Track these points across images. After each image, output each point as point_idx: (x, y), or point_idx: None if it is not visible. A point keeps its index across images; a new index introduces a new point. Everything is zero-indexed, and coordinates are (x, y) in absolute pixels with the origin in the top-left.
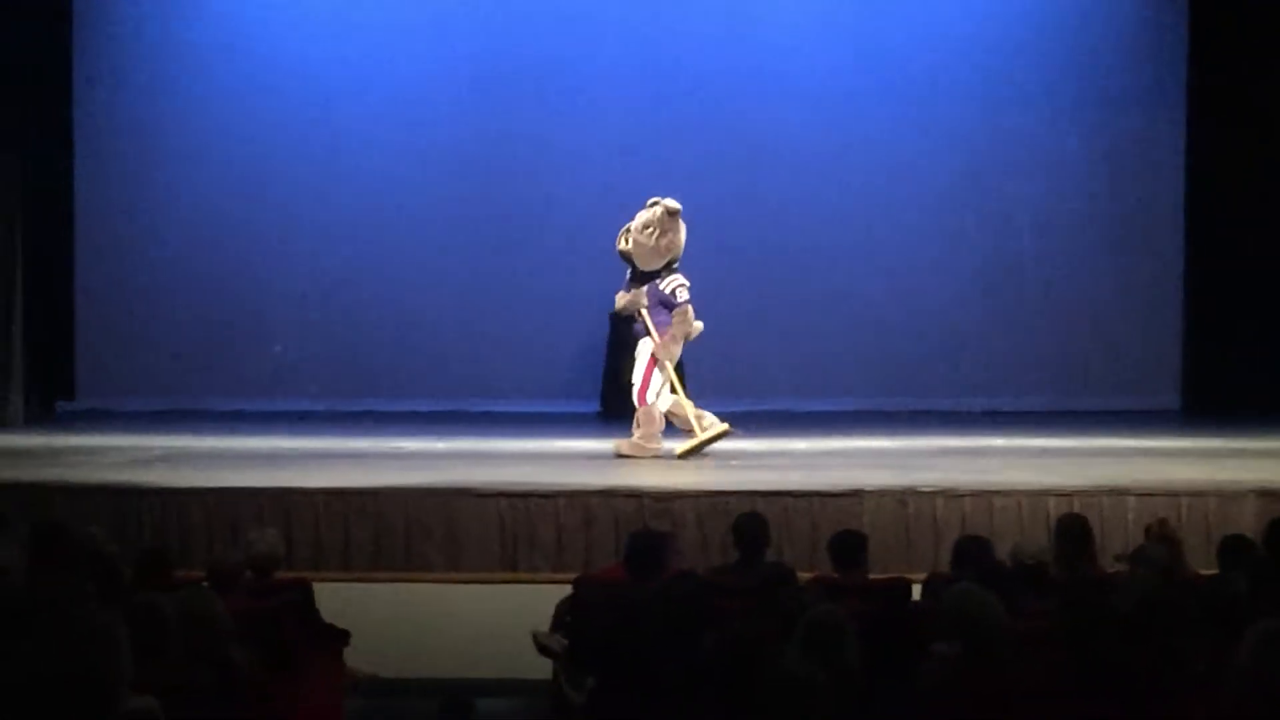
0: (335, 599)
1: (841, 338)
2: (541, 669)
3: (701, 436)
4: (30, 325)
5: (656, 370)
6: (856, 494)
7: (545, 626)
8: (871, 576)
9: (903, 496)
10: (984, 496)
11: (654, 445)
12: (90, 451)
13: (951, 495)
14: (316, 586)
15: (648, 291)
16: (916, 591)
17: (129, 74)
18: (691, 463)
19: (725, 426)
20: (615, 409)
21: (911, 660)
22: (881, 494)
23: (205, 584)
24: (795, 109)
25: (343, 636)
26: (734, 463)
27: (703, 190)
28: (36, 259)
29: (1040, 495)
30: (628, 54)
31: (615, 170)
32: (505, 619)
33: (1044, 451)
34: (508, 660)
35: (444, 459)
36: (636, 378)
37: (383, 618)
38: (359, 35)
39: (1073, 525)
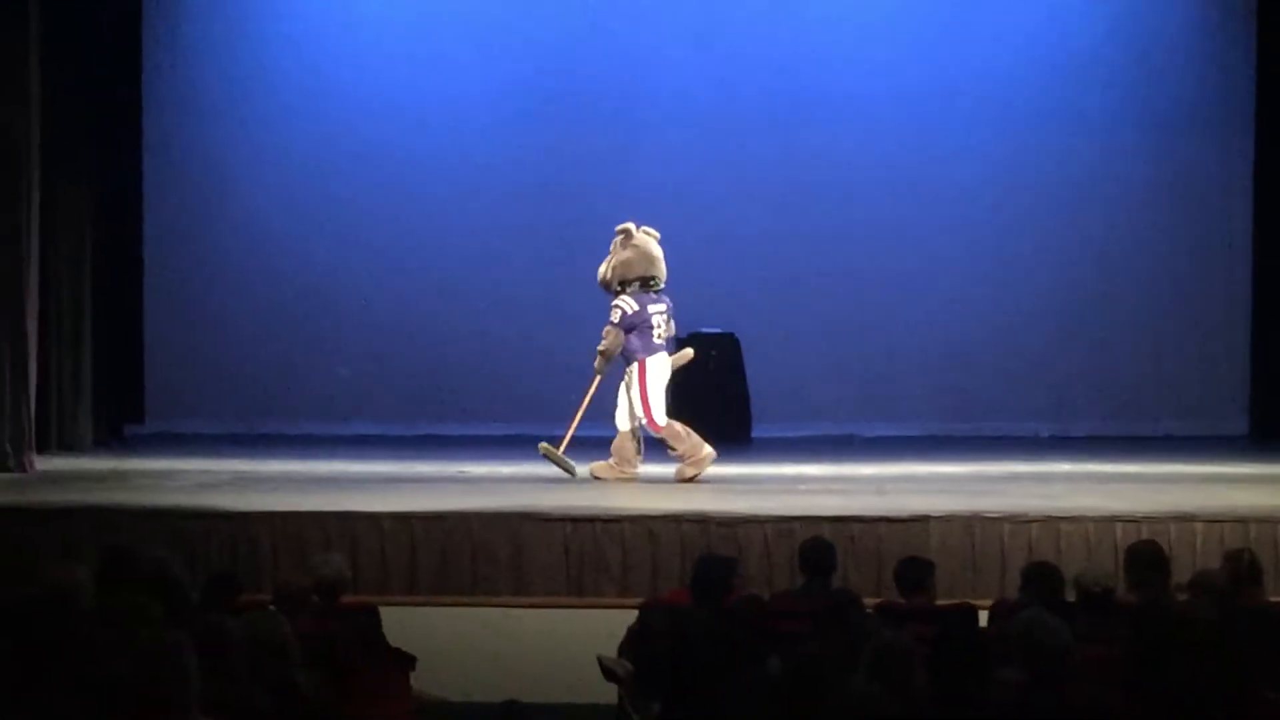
0: (401, 623)
1: (908, 362)
2: (607, 693)
3: (556, 454)
4: (99, 349)
5: (650, 395)
6: (923, 519)
7: (611, 651)
8: (938, 602)
9: (969, 522)
10: (1051, 522)
11: (630, 469)
12: (158, 475)
13: (1018, 521)
14: (383, 610)
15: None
16: (983, 618)
17: (196, 102)
18: (758, 488)
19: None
20: None
21: (978, 686)
22: (948, 519)
23: (271, 607)
24: (860, 134)
25: (409, 660)
26: (801, 487)
27: (767, 214)
28: (105, 283)
29: (1107, 521)
30: (687, 76)
31: (677, 193)
32: (571, 643)
33: (1111, 477)
34: (573, 684)
35: (509, 483)
36: (638, 407)
37: (449, 641)
38: (426, 58)
39: (1145, 552)
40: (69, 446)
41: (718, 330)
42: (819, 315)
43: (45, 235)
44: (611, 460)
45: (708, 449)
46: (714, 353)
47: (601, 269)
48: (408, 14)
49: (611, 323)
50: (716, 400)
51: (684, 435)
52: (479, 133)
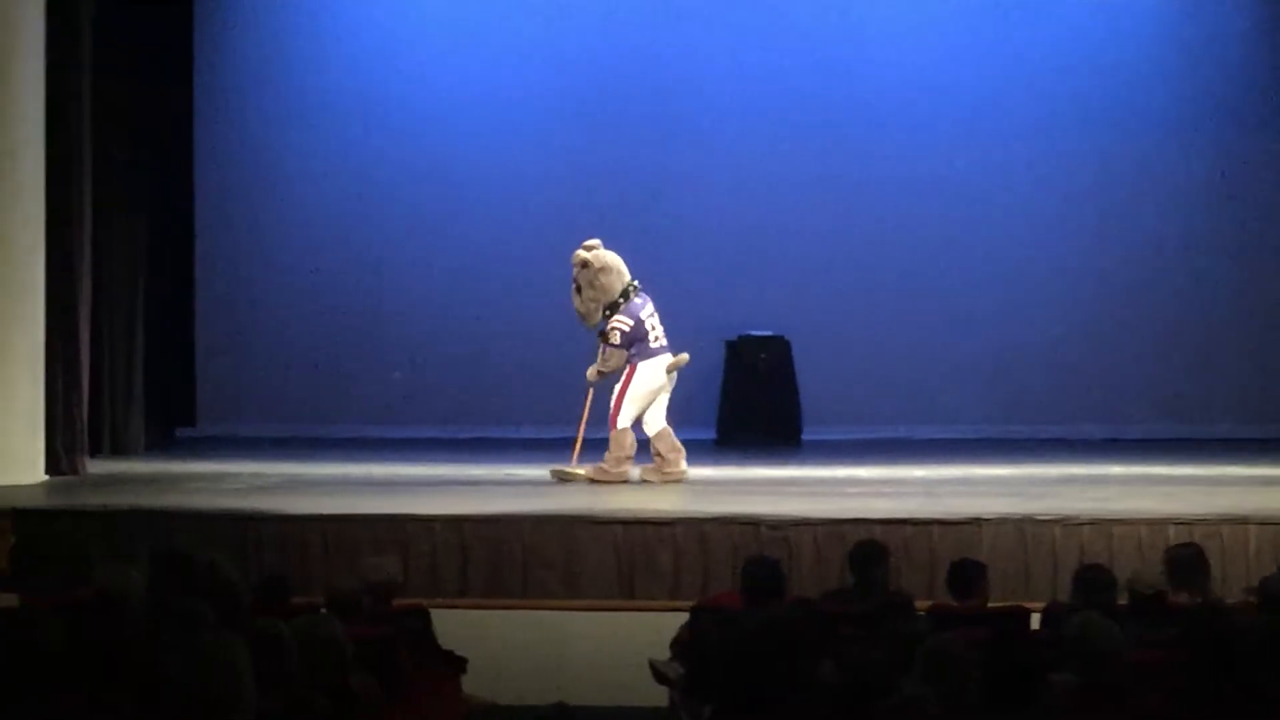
0: (453, 626)
1: (960, 364)
2: (658, 696)
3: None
4: (151, 352)
5: (628, 397)
6: (975, 522)
7: (661, 654)
8: (990, 605)
9: (1021, 525)
10: (1103, 525)
11: (620, 470)
12: (210, 478)
13: (1070, 524)
14: (434, 613)
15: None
16: (1034, 620)
17: (246, 108)
18: (809, 490)
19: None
20: (732, 436)
21: (1031, 690)
22: (1000, 522)
23: (323, 611)
24: (911, 133)
25: (460, 663)
26: (852, 490)
27: (817, 217)
28: (157, 287)
29: (1160, 524)
30: (747, 81)
31: (726, 195)
32: (622, 646)
33: (1164, 479)
34: (624, 687)
35: (561, 486)
36: (612, 405)
37: (500, 644)
38: (473, 63)
39: (1185, 555)
40: (121, 450)
41: (768, 333)
42: (870, 317)
43: (98, 240)
44: (654, 464)
45: (633, 474)
46: (764, 355)
47: (578, 305)
48: (452, 19)
49: (613, 345)
50: (767, 402)
51: (626, 450)
52: (527, 136)
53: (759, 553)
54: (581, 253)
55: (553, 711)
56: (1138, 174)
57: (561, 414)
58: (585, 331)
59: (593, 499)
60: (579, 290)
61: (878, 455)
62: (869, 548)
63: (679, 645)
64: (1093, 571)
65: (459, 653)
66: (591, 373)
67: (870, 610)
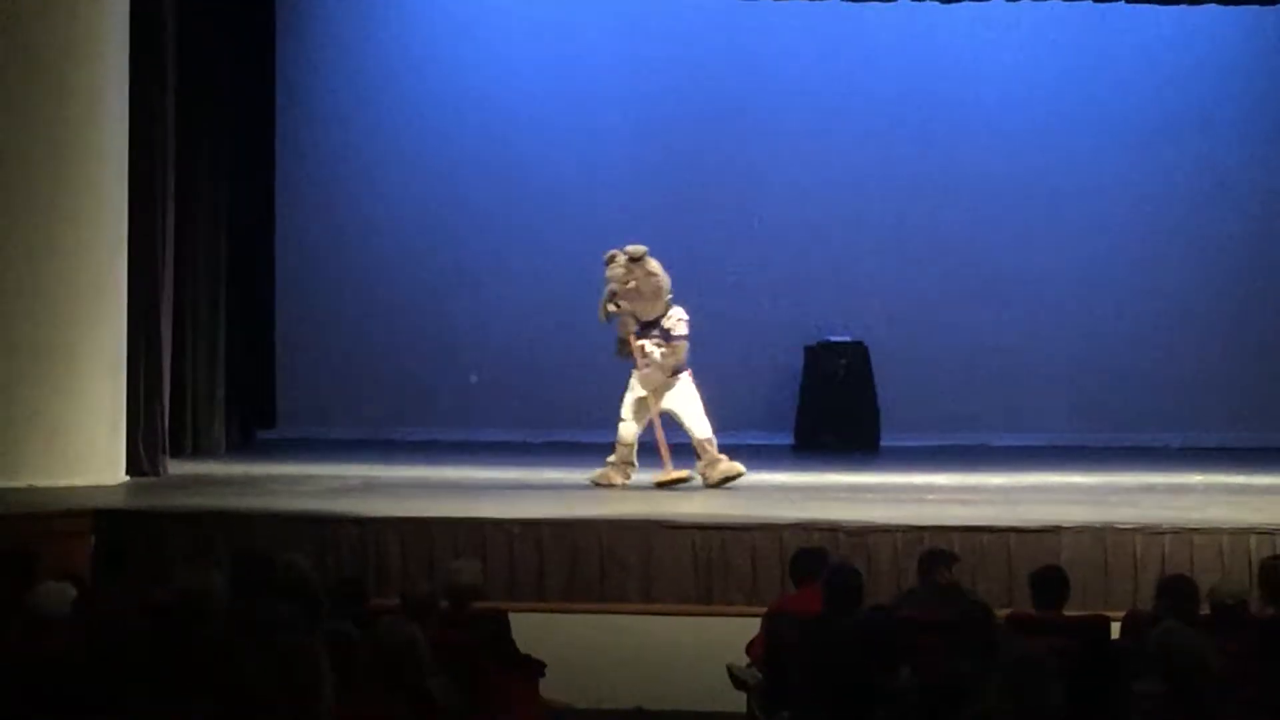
0: (530, 629)
1: (1038, 371)
2: (735, 701)
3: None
4: (232, 354)
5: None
6: (1054, 530)
7: (739, 659)
8: (1069, 614)
9: (1101, 533)
10: (1184, 534)
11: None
12: (290, 480)
13: (1151, 533)
14: (512, 617)
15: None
16: (1114, 630)
17: (329, 109)
18: (888, 496)
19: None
20: (809, 441)
21: (1112, 700)
22: (1079, 530)
23: (402, 614)
24: (992, 139)
25: (538, 667)
26: (930, 497)
27: (897, 222)
28: (239, 289)
29: (1242, 533)
30: (825, 84)
31: (806, 200)
32: (700, 651)
33: (1245, 488)
34: (702, 692)
35: (638, 491)
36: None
37: (578, 648)
38: (554, 67)
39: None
40: (202, 451)
41: (847, 339)
42: (948, 323)
43: (180, 242)
44: (703, 463)
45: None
46: (844, 361)
47: (632, 307)
48: (535, 19)
49: (683, 336)
50: (845, 408)
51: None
52: (607, 142)
53: (839, 559)
54: (626, 250)
55: (631, 715)
56: (1220, 181)
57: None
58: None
59: (670, 504)
60: (636, 285)
61: (956, 462)
62: (935, 551)
63: (757, 650)
64: (1177, 581)
65: (537, 656)
66: (656, 377)
67: (951, 618)
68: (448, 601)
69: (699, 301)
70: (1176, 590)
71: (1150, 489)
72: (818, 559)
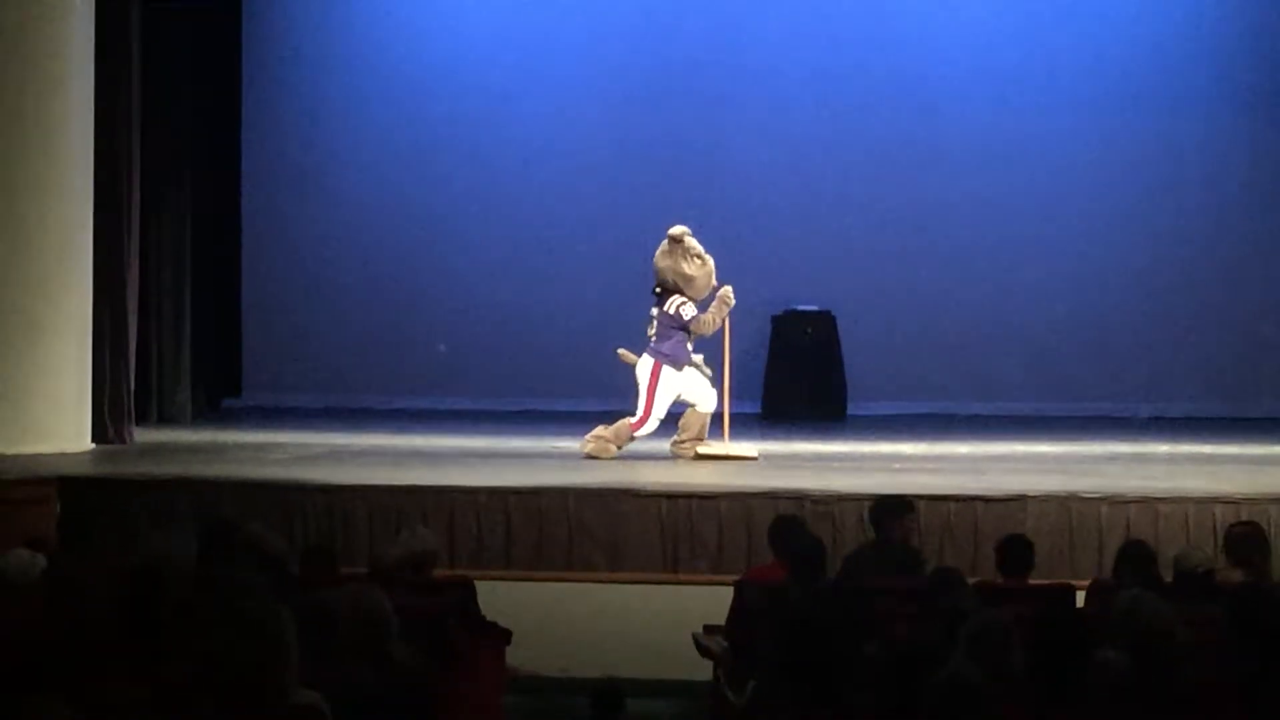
0: (497, 598)
1: (1005, 341)
2: (702, 670)
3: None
4: (197, 323)
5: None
6: (1020, 499)
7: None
8: (1034, 582)
9: (1066, 502)
10: (1149, 503)
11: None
12: (256, 448)
13: (1116, 501)
14: (478, 585)
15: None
16: (1080, 598)
17: (294, 80)
18: (854, 466)
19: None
20: (777, 411)
21: (1077, 667)
22: (1045, 499)
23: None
24: (961, 111)
25: (504, 635)
26: (897, 466)
27: (863, 192)
28: (204, 259)
29: (1206, 502)
30: (790, 57)
31: (772, 170)
32: (666, 619)
33: (1210, 458)
34: (668, 661)
35: (605, 460)
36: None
37: (544, 617)
38: (520, 38)
39: (1244, 533)
40: (167, 419)
41: (814, 308)
42: (915, 293)
43: (146, 210)
44: (685, 437)
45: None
46: (809, 330)
47: (690, 270)
48: None
49: (693, 317)
50: (812, 377)
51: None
52: (571, 113)
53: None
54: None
55: (597, 685)
56: (1185, 151)
57: (602, 387)
58: (628, 306)
59: (637, 472)
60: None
61: (923, 431)
62: (889, 502)
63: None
64: (1134, 548)
65: (503, 624)
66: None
67: (920, 586)
68: (409, 569)
69: None
70: (1134, 557)
71: (1116, 458)
72: (796, 527)
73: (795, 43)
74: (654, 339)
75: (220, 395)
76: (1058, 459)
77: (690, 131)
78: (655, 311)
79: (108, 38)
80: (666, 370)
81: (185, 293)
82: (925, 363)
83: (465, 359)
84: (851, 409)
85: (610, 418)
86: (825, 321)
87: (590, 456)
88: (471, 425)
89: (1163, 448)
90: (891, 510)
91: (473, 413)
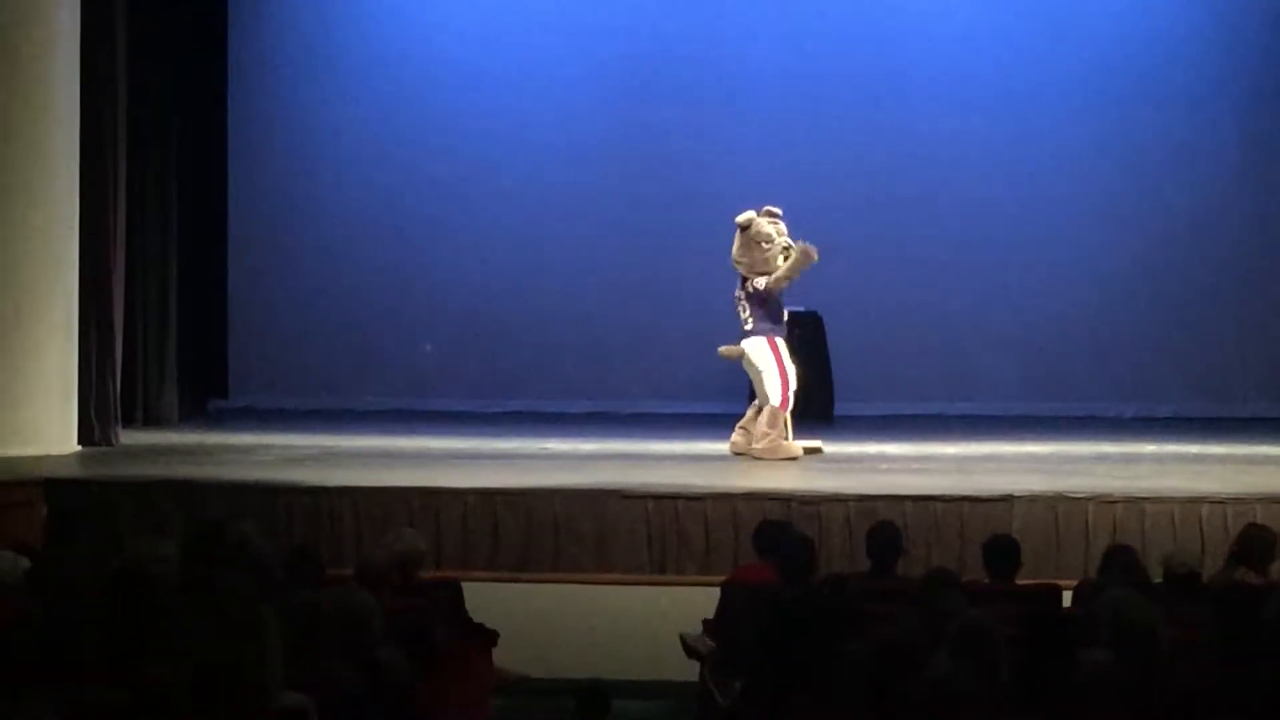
0: (484, 599)
1: (993, 341)
2: (689, 671)
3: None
4: (184, 324)
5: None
6: (1007, 499)
7: (693, 628)
8: (1020, 582)
9: (1053, 502)
10: (1136, 503)
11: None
12: (242, 449)
13: (1103, 501)
14: (465, 586)
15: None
16: (1066, 598)
17: (281, 81)
18: (841, 466)
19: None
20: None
21: (1062, 667)
22: (1032, 499)
23: (355, 583)
24: (949, 109)
25: (491, 636)
26: (884, 466)
27: (855, 190)
28: (191, 260)
29: (1193, 502)
30: (778, 58)
31: (760, 169)
32: (653, 620)
33: (1197, 458)
34: (655, 661)
35: (592, 460)
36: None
37: (531, 618)
38: (514, 34)
39: (1258, 536)
40: (154, 420)
41: (801, 308)
42: (902, 293)
43: (132, 211)
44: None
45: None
46: (797, 330)
47: (755, 255)
48: None
49: (764, 288)
50: (800, 378)
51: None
52: (559, 112)
53: (792, 528)
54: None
55: (584, 686)
56: (1174, 150)
57: (595, 388)
58: (616, 307)
59: (624, 473)
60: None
61: (909, 431)
62: (887, 532)
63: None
64: (1119, 551)
65: (490, 626)
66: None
67: (908, 587)
68: (396, 571)
69: (654, 270)
70: (1119, 559)
71: (1103, 458)
72: (781, 531)
73: (782, 44)
74: (749, 321)
75: (207, 397)
76: (1044, 459)
77: (677, 134)
78: (739, 294)
79: (93, 37)
80: (779, 340)
81: (171, 294)
82: (912, 363)
83: (452, 360)
84: (838, 409)
85: (604, 419)
86: (812, 322)
87: (764, 457)
88: (458, 426)
89: (1150, 448)
90: (891, 545)
91: (459, 414)
